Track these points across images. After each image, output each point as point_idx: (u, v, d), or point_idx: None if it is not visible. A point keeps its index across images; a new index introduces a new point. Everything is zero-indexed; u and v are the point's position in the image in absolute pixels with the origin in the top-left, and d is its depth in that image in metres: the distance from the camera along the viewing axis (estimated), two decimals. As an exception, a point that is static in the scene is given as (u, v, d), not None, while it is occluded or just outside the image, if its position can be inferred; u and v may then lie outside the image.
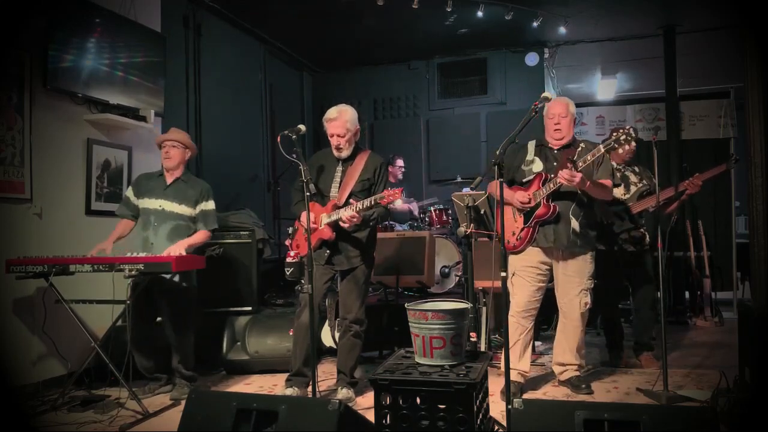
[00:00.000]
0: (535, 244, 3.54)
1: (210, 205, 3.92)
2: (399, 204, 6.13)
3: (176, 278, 3.74)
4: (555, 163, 3.55)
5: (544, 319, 5.20)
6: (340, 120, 3.55)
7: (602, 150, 3.32)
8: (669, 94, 6.79)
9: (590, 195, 3.52)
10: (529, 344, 3.68)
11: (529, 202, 3.49)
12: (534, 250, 3.56)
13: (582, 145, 3.59)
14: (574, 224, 3.49)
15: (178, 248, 3.61)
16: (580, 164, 3.33)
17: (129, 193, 3.99)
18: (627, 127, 3.29)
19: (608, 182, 3.54)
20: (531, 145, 3.68)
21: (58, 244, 3.97)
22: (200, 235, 3.84)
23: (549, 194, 3.45)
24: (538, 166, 3.59)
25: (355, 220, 3.41)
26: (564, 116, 3.54)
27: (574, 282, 3.55)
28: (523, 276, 3.57)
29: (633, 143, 3.38)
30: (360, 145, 3.74)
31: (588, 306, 3.58)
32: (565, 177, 3.30)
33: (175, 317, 3.80)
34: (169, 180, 3.89)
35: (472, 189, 3.92)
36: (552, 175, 3.46)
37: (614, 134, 3.32)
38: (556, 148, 3.61)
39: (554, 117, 3.56)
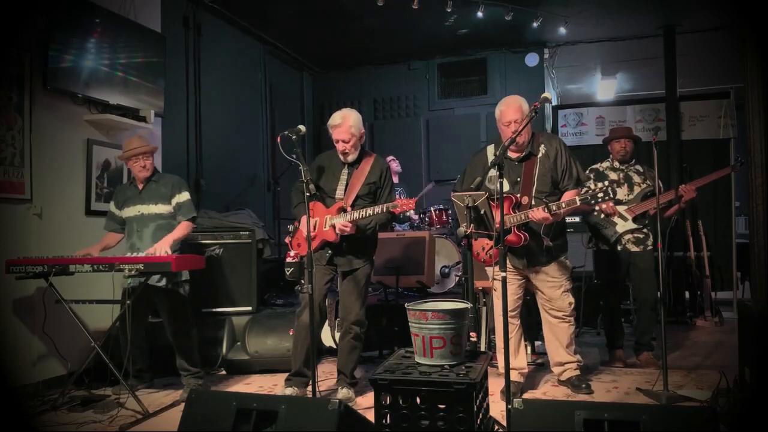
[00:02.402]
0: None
1: (184, 196, 3.90)
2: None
3: (163, 281, 3.72)
4: (518, 178, 3.47)
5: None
6: (345, 125, 3.53)
7: (578, 202, 3.20)
8: (669, 94, 6.79)
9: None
10: (520, 341, 3.69)
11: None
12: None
13: (542, 150, 3.48)
14: (547, 242, 3.46)
15: (163, 245, 3.59)
16: (554, 208, 3.23)
17: (112, 206, 3.98)
18: (605, 184, 3.14)
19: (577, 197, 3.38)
20: (490, 152, 3.55)
21: (58, 244, 3.97)
22: (181, 227, 3.82)
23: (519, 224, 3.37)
24: (503, 184, 3.50)
25: (347, 230, 3.39)
26: (521, 121, 3.33)
27: (555, 285, 3.55)
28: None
29: (611, 203, 3.28)
30: (365, 148, 3.73)
31: (572, 305, 3.58)
32: (538, 218, 3.26)
33: (171, 318, 3.80)
34: (141, 185, 3.90)
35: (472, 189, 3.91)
36: (520, 196, 3.39)
37: (593, 188, 3.18)
38: (515, 158, 3.49)
39: (510, 124, 3.37)
